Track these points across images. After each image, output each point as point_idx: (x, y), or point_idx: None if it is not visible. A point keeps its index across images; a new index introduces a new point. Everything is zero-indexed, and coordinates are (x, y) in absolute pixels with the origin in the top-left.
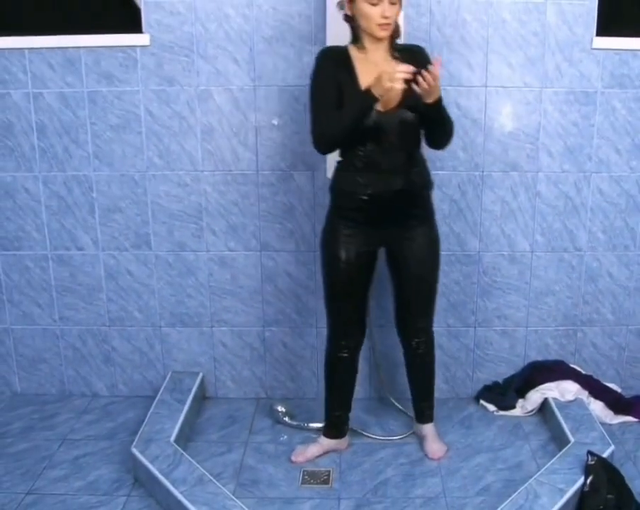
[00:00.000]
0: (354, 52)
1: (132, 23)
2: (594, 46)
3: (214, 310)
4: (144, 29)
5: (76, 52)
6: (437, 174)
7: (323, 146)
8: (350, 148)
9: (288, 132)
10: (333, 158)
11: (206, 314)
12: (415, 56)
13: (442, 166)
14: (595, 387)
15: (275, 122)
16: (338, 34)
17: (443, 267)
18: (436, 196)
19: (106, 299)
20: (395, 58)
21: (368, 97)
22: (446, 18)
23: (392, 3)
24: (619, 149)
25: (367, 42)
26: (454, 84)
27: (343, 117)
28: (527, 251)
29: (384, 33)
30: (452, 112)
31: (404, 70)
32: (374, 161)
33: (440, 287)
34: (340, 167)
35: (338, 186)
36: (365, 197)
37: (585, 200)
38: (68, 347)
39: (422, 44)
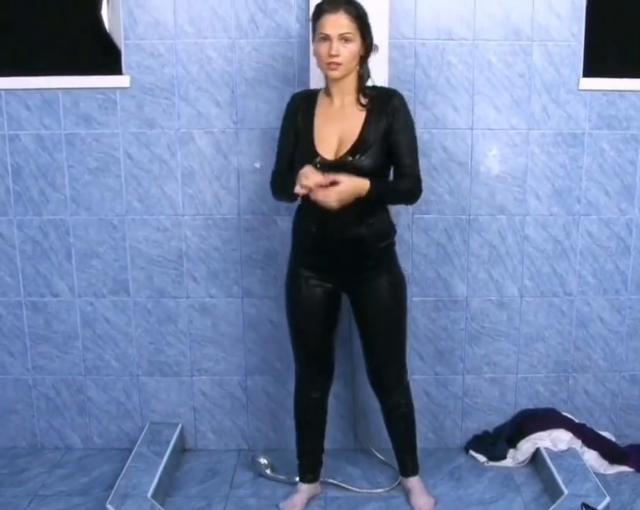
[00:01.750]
0: (322, 97)
1: (111, 64)
2: (581, 87)
3: (195, 358)
4: (124, 70)
5: (54, 93)
6: (422, 218)
7: (273, 196)
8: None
9: (270, 175)
10: None
11: (186, 362)
12: (385, 103)
13: (428, 209)
14: (588, 436)
15: (258, 165)
16: (322, 76)
17: (430, 313)
18: (422, 240)
19: (82, 348)
20: (362, 105)
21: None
22: (431, 60)
23: (345, 40)
24: (608, 191)
25: (330, 84)
26: (439, 127)
27: (284, 188)
28: (516, 296)
29: (334, 73)
30: (438, 155)
31: (306, 184)
32: (323, 210)
33: (427, 334)
34: (298, 210)
35: (294, 229)
36: (315, 244)
37: (574, 244)
38: (41, 397)
39: (407, 87)
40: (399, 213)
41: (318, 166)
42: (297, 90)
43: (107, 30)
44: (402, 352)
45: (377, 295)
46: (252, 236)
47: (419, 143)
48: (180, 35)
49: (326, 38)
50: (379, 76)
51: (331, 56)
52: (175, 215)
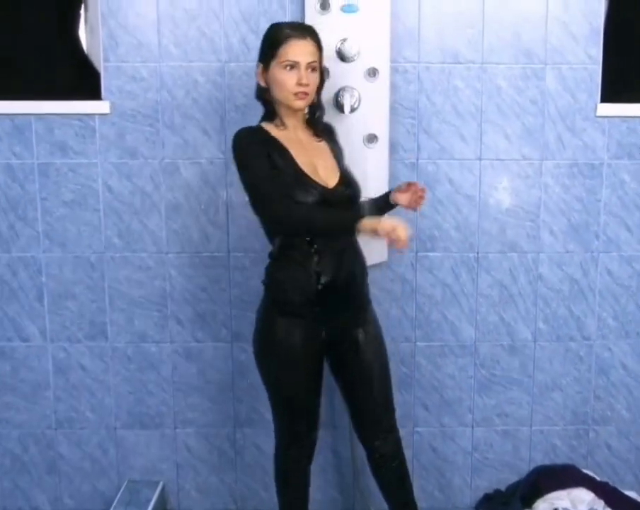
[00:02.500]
0: (275, 130)
1: (90, 88)
2: (598, 113)
3: (178, 409)
4: (103, 95)
5: (26, 119)
6: (426, 256)
7: (288, 227)
8: (291, 237)
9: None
10: None
11: (168, 413)
12: (329, 132)
13: (433, 247)
14: (611, 496)
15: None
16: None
17: (436, 359)
18: (426, 280)
19: (53, 398)
20: (318, 138)
21: (355, 217)
22: (436, 85)
23: (312, 69)
24: (629, 226)
25: (285, 116)
26: (445, 157)
27: (317, 219)
28: (529, 341)
29: (301, 103)
30: (444, 188)
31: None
32: (325, 243)
33: (433, 382)
34: (280, 259)
35: (279, 281)
36: (319, 287)
37: (592, 283)
38: (5, 454)
39: (410, 114)
40: (401, 251)
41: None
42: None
43: (86, 52)
44: (392, 394)
45: (372, 334)
46: (242, 275)
47: (423, 174)
48: (165, 57)
49: (294, 66)
50: (380, 103)
51: (301, 85)
52: (159, 253)
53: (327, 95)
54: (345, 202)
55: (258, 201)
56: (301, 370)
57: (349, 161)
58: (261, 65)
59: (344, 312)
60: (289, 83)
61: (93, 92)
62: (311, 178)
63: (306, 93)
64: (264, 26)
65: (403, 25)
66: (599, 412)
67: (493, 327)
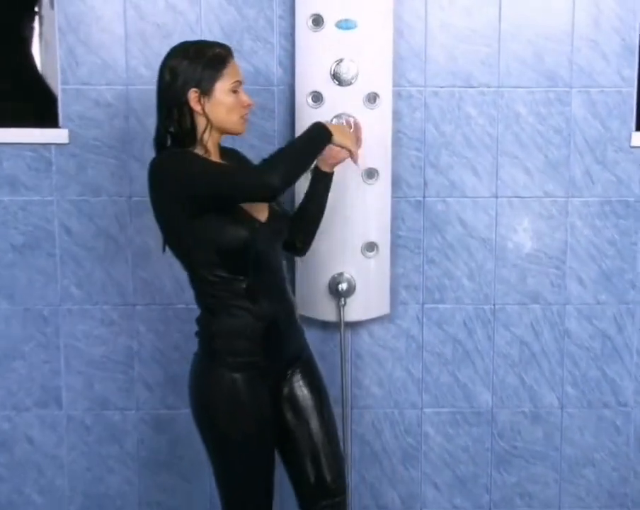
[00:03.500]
0: (201, 155)
1: (45, 114)
2: (633, 143)
3: (145, 488)
4: (61, 123)
5: None
6: (435, 308)
7: (281, 183)
8: (224, 281)
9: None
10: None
11: (132, 493)
12: (240, 161)
13: (443, 297)
14: None
15: None
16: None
17: (446, 429)
18: (435, 336)
19: None
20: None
21: (324, 132)
22: (445, 112)
23: None
24: None
25: (210, 142)
26: (456, 195)
27: (297, 149)
28: (556, 407)
29: (244, 127)
30: (455, 230)
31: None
32: (260, 282)
33: (443, 456)
34: (215, 307)
35: (221, 330)
36: (263, 327)
37: (629, 340)
38: None
39: (415, 145)
40: (406, 303)
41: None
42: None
43: (40, 72)
44: (340, 450)
45: (317, 377)
46: None
47: (431, 214)
48: (135, 79)
49: (238, 86)
50: (381, 133)
51: (248, 106)
52: (125, 305)
53: None
54: (278, 239)
55: (237, 189)
56: (262, 425)
57: (345, 199)
58: (197, 90)
59: (288, 354)
60: (238, 106)
61: (48, 118)
62: (243, 209)
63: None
64: (249, 45)
65: (408, 43)
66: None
67: (513, 391)
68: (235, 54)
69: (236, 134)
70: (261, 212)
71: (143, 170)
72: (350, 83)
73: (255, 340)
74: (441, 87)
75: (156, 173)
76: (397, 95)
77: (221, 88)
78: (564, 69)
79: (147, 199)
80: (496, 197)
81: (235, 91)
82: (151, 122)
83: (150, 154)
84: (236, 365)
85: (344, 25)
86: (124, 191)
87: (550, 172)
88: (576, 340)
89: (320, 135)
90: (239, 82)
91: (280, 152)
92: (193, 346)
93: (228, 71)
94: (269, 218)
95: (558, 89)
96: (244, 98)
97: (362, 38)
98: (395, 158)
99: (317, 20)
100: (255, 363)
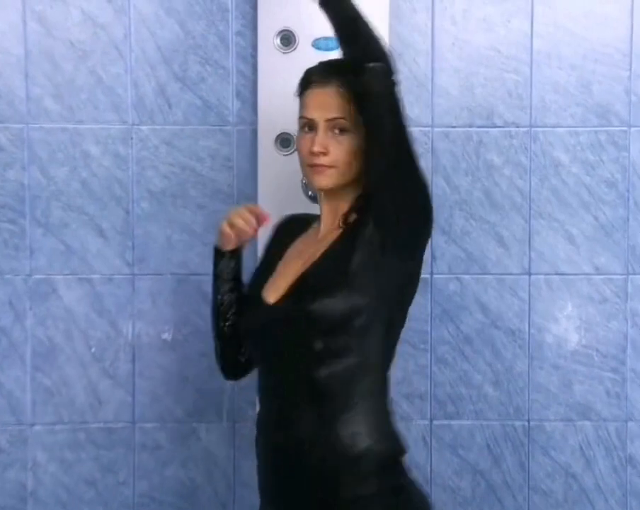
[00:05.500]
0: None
1: None
2: None
3: None
4: None
5: None
6: (447, 425)
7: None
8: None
9: (190, 352)
10: None
11: None
12: (357, 236)
13: (458, 411)
14: None
15: (167, 336)
16: (271, 189)
17: None
18: (447, 464)
19: None
20: (340, 228)
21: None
22: (459, 159)
23: (339, 130)
24: None
25: (319, 199)
26: (474, 271)
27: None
28: None
29: (320, 180)
30: (473, 318)
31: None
32: (262, 387)
33: None
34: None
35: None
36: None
37: None
38: None
39: None
40: (408, 418)
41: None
42: (236, 207)
43: None
44: None
45: None
46: (156, 460)
47: (441, 296)
48: (38, 116)
49: (311, 126)
50: None
51: (313, 153)
52: (19, 425)
53: (294, 176)
54: (282, 328)
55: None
56: None
57: None
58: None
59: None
60: (303, 150)
61: None
62: (258, 289)
63: (323, 166)
64: (196, 71)
65: (409, 69)
66: None
67: None
68: (174, 84)
69: (316, 188)
70: (280, 287)
71: (48, 238)
72: None
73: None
74: (453, 127)
75: None
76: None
77: (298, 124)
78: (620, 101)
79: (54, 276)
80: (529, 274)
81: (309, 131)
82: (61, 173)
83: (59, 217)
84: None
85: (323, 44)
86: (21, 267)
87: (602, 240)
88: None
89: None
90: (306, 119)
91: None
92: (114, 481)
93: (302, 102)
94: (283, 296)
95: (612, 129)
96: (304, 141)
97: None
98: None
99: (287, 38)
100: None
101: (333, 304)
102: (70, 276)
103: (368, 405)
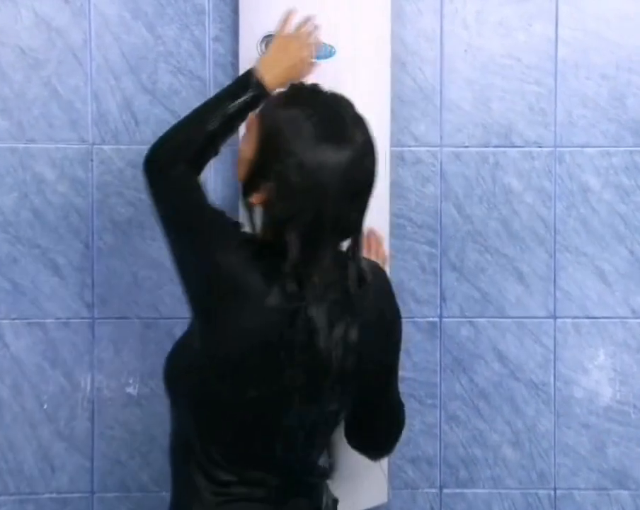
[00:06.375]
0: None
1: None
2: None
3: None
4: None
5: None
6: (461, 495)
7: (150, 150)
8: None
9: (158, 408)
10: None
11: None
12: None
13: (473, 478)
14: None
15: (132, 390)
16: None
17: None
18: None
19: None
20: None
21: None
22: (472, 185)
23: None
24: None
25: None
26: (489, 313)
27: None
28: None
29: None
30: (489, 368)
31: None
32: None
33: None
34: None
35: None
36: None
37: None
38: None
39: (427, 237)
40: (414, 486)
41: None
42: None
43: None
44: None
45: None
46: None
47: (452, 343)
48: None
49: None
50: (373, 216)
51: None
52: None
53: None
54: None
55: None
56: None
57: None
58: None
59: None
60: None
61: None
62: None
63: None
64: (168, 81)
65: (413, 80)
66: None
67: None
68: (143, 96)
69: None
70: None
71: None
72: None
73: None
74: (466, 147)
75: None
76: (397, 160)
77: None
78: None
79: (0, 322)
80: (554, 317)
81: None
82: (9, 202)
83: (6, 252)
84: None
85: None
86: None
87: (639, 278)
88: None
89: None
90: None
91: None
92: None
93: None
94: None
95: None
96: None
97: (344, 72)
98: (395, 256)
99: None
100: None
101: None
102: (18, 321)
103: None
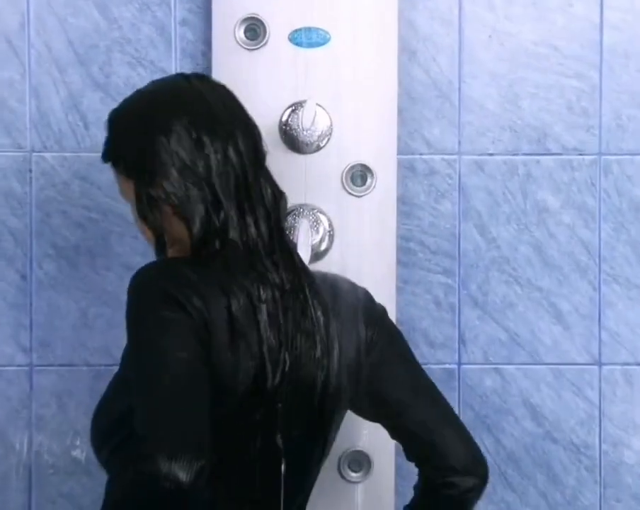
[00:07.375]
0: None
1: None
2: None
3: None
4: None
5: None
6: None
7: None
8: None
9: (106, 478)
10: None
11: None
12: None
13: None
14: None
15: (79, 453)
16: None
17: None
18: None
19: None
20: None
21: None
22: (499, 201)
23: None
24: None
25: None
26: (520, 360)
27: None
28: None
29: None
30: (520, 426)
31: None
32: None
33: None
34: None
35: None
36: None
37: None
38: None
39: (442, 264)
40: None
41: None
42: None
43: None
44: None
45: None
46: None
47: (473, 395)
48: None
49: None
50: (377, 241)
51: None
52: None
53: None
54: None
55: None
56: None
57: None
58: None
59: None
60: None
61: None
62: None
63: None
64: (125, 74)
65: (426, 73)
66: None
67: None
68: (94, 94)
69: None
70: None
71: None
72: (317, 148)
73: None
74: (490, 154)
75: None
76: (407, 170)
77: None
78: None
79: None
80: (599, 364)
81: None
82: None
83: None
84: None
85: (305, 38)
86: None
87: None
88: None
89: None
90: None
91: None
92: None
93: None
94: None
95: None
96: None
97: (340, 62)
98: (403, 288)
99: (254, 29)
100: None
101: None
102: None
103: None
